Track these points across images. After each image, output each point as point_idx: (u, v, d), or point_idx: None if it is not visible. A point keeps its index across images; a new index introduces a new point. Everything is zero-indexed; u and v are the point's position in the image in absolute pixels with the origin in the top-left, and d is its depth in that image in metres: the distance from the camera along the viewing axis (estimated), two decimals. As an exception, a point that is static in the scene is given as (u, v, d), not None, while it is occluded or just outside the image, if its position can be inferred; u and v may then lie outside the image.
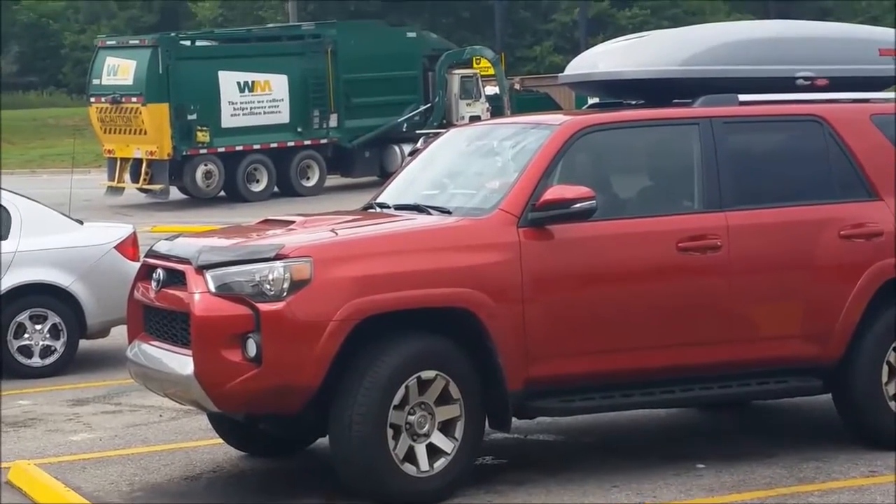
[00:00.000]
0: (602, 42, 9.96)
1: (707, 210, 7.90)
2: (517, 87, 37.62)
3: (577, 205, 7.46)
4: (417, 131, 29.85)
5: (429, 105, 32.17)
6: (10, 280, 11.76)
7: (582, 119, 8.04)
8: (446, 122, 31.02)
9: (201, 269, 7.30)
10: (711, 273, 7.81)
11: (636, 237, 7.77)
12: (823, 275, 7.98)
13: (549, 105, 34.72)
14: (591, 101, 9.59)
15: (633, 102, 8.78)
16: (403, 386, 7.21)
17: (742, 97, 8.25)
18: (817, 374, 8.03)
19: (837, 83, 8.55)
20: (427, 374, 7.28)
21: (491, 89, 33.67)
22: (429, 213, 7.86)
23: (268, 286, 7.11)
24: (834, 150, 8.21)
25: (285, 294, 7.09)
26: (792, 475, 7.69)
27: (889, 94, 8.74)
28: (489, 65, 34.01)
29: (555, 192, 7.51)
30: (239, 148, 29.42)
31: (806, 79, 8.49)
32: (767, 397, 8.55)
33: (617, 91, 8.85)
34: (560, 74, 9.42)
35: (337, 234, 7.62)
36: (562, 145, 7.77)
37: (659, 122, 8.18)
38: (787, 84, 8.44)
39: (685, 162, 8.03)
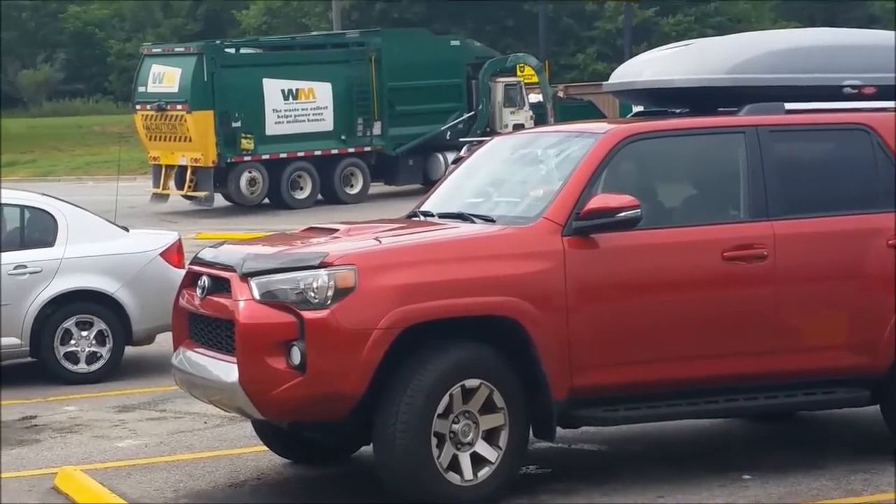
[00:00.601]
0: (646, 50, 9.92)
1: (753, 219, 7.86)
2: (561, 94, 37.54)
3: (622, 213, 7.44)
4: (461, 139, 29.85)
5: (472, 113, 32.16)
6: (57, 287, 11.84)
7: (627, 127, 8.02)
8: (490, 131, 31.00)
9: (246, 277, 7.33)
10: (757, 283, 7.76)
11: (681, 246, 7.73)
12: (871, 284, 7.92)
13: (592, 113, 34.60)
14: (635, 109, 9.57)
15: (678, 111, 8.74)
16: (447, 394, 7.21)
17: (788, 106, 8.20)
18: (865, 385, 7.96)
19: (885, 91, 8.48)
20: (471, 382, 7.27)
21: (535, 97, 33.62)
22: (473, 222, 7.85)
23: (312, 294, 7.12)
24: (881, 159, 8.15)
25: (329, 302, 7.10)
26: (839, 487, 7.63)
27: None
28: (533, 72, 33.96)
29: (599, 200, 7.49)
30: (283, 155, 29.51)
31: (853, 87, 8.43)
32: (814, 408, 8.49)
33: (662, 99, 8.81)
34: (605, 83, 9.40)
35: (381, 242, 7.62)
36: (606, 154, 7.74)
37: (704, 130, 8.14)
38: (833, 92, 8.38)
39: (731, 171, 7.99)
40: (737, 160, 7.96)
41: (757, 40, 8.95)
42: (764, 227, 7.83)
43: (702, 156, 8.14)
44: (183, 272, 8.95)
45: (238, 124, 28.85)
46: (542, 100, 33.38)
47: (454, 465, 7.25)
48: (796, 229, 7.89)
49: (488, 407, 7.32)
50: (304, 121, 29.86)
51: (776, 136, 8.05)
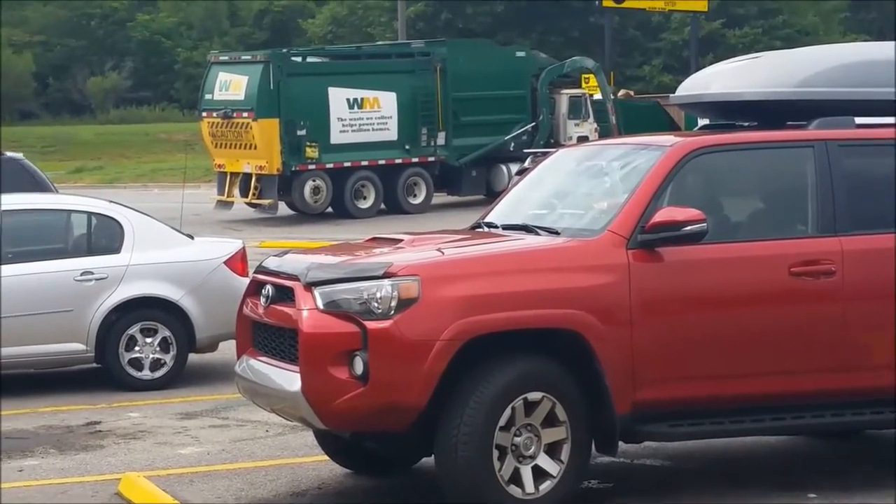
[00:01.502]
0: (712, 62, 9.84)
1: (821, 234, 7.76)
2: (632, 93, 37.49)
3: (688, 227, 7.38)
4: (524, 150, 29.82)
5: (533, 124, 32.09)
6: (123, 293, 11.93)
7: (694, 140, 7.95)
8: (554, 142, 30.94)
9: (310, 286, 7.33)
10: (825, 299, 7.67)
11: (747, 261, 7.66)
12: (941, 302, 7.79)
13: (658, 114, 34.64)
14: (701, 122, 9.50)
15: (746, 124, 8.67)
16: (510, 407, 7.18)
17: (859, 120, 8.10)
18: (935, 404, 7.83)
19: (957, 106, 8.35)
20: (533, 395, 7.23)
21: (597, 97, 33.51)
22: (537, 234, 7.82)
23: (375, 304, 7.11)
24: (952, 175, 8.01)
25: (393, 312, 7.09)
26: (906, 507, 7.51)
27: None
28: (595, 83, 33.84)
29: (665, 213, 7.43)
30: (347, 164, 29.62)
31: (925, 102, 8.31)
32: (882, 427, 8.35)
33: (729, 112, 8.74)
34: (671, 95, 9.34)
35: (444, 253, 7.60)
36: (673, 167, 7.68)
37: (773, 144, 8.06)
38: (905, 107, 8.28)
39: (799, 185, 7.90)
40: (805, 174, 7.87)
41: (827, 53, 8.85)
42: (832, 243, 7.73)
43: (769, 170, 8.06)
44: (247, 280, 8.97)
45: (303, 133, 28.98)
46: (601, 97, 33.21)
47: (515, 478, 7.21)
48: (865, 245, 7.79)
49: (550, 420, 7.28)
50: (368, 130, 29.95)
51: (846, 150, 7.95)
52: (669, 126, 33.84)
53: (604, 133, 32.38)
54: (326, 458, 8.59)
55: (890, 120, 8.18)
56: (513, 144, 31.56)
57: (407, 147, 30.44)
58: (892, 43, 9.06)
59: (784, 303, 7.64)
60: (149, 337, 12.03)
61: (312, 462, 8.84)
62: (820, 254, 7.70)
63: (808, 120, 8.11)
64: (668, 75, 54.04)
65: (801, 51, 9.09)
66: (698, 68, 9.24)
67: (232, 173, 29.89)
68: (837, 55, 8.69)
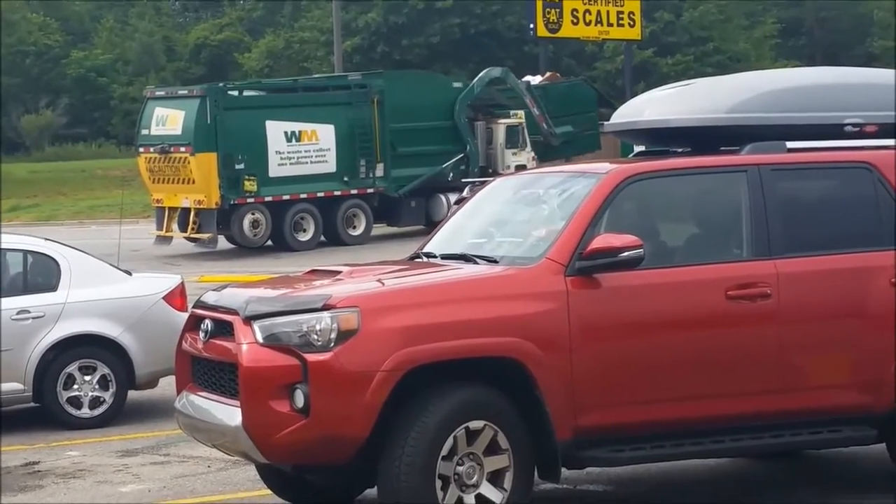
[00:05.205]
0: (644, 89, 9.94)
1: (756, 258, 7.85)
2: (558, 75, 37.84)
3: (625, 253, 7.43)
4: (463, 180, 29.88)
5: (462, 155, 32.14)
6: (60, 331, 11.83)
7: (629, 167, 8.03)
8: (492, 172, 31.05)
9: (249, 320, 7.32)
10: (761, 321, 7.75)
11: (684, 285, 7.72)
12: (875, 322, 7.90)
13: (583, 90, 35.22)
14: (637, 149, 9.58)
15: (680, 150, 8.76)
16: (452, 436, 7.18)
17: (790, 144, 8.22)
18: (871, 423, 7.92)
19: (886, 129, 8.49)
20: (475, 424, 7.25)
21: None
22: (475, 263, 7.85)
23: (315, 336, 7.11)
24: (883, 197, 8.15)
25: (333, 344, 7.09)
26: (846, 526, 7.59)
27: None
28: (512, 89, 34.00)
29: (602, 240, 7.48)
30: (286, 197, 29.56)
31: (854, 125, 8.44)
32: (821, 447, 8.46)
33: (664, 139, 8.83)
34: (606, 122, 9.42)
35: (384, 284, 7.62)
36: (609, 193, 7.75)
37: (706, 169, 8.15)
38: (835, 131, 8.40)
39: (733, 209, 7.99)
40: (739, 199, 7.96)
41: (758, 79, 8.97)
42: (767, 266, 7.82)
43: (704, 195, 8.15)
44: (186, 316, 8.93)
45: (241, 166, 28.91)
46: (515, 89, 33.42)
47: (459, 508, 7.21)
48: (799, 267, 7.89)
49: (493, 448, 7.30)
50: (306, 162, 29.92)
51: (778, 174, 8.06)
52: (598, 101, 35.36)
53: (530, 121, 32.98)
54: (269, 492, 8.55)
55: (820, 144, 8.29)
56: (451, 174, 31.66)
57: (346, 179, 30.44)
58: (821, 68, 9.22)
59: (721, 326, 7.72)
60: (87, 375, 11.93)
61: (255, 496, 8.80)
62: (755, 277, 7.78)
63: (741, 145, 8.21)
64: (603, 104, 54.37)
65: (733, 77, 9.21)
66: (632, 96, 9.32)
67: (170, 208, 29.74)
68: (768, 81, 8.81)
